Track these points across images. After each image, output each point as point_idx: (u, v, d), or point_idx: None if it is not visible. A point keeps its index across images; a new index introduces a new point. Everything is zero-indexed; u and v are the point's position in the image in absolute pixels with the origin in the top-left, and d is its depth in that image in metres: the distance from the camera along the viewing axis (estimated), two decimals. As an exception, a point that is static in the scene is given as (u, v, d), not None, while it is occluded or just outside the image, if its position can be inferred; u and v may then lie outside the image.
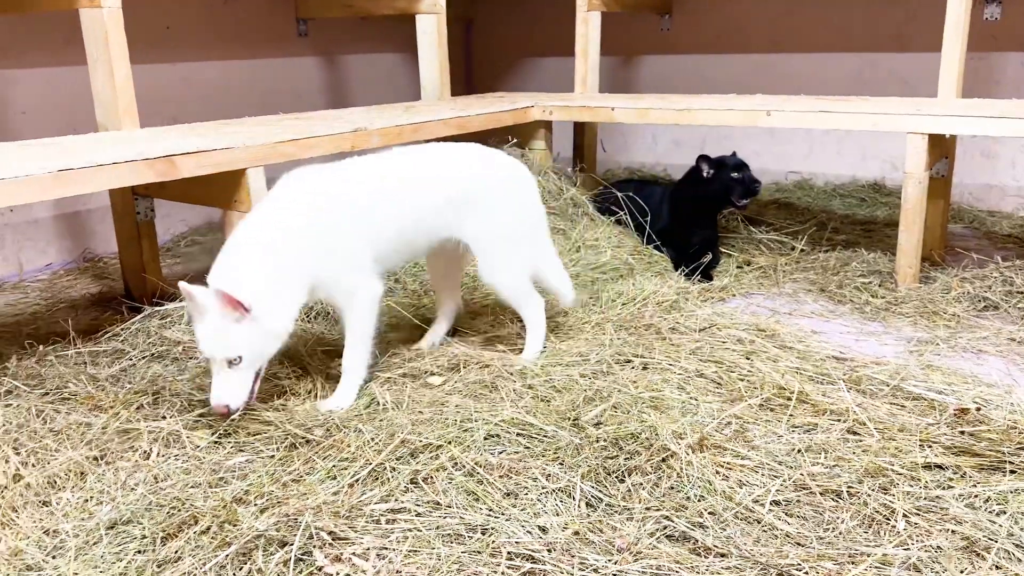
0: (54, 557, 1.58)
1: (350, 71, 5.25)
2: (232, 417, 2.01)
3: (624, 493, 1.73)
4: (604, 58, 4.52)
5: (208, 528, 1.60)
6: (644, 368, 2.31)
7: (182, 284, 1.90)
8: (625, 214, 3.50)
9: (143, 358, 2.42)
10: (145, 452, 1.93)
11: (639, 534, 1.60)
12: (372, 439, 1.92)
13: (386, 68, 5.47)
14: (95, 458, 1.89)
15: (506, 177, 2.42)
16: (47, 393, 2.20)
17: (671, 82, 5.22)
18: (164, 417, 2.09)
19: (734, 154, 3.35)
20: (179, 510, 1.66)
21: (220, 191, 2.68)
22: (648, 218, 3.45)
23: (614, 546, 1.56)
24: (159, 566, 1.52)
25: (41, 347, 2.46)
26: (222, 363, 1.94)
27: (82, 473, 1.84)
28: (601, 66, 4.48)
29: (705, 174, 3.30)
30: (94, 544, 1.60)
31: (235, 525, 1.60)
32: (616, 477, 1.78)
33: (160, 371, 2.34)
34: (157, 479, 1.83)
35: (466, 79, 6.02)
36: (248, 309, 1.92)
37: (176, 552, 1.55)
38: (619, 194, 3.54)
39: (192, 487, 1.79)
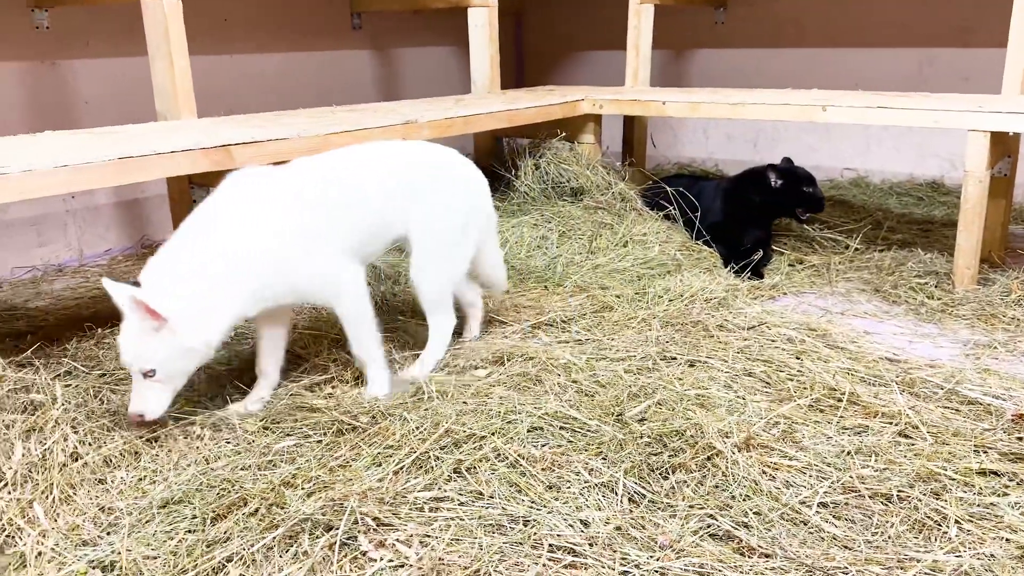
0: (108, 533, 1.63)
1: (402, 64, 5.29)
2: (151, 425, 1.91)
3: (667, 490, 1.72)
4: (655, 52, 4.47)
5: (257, 510, 1.64)
6: (690, 365, 2.28)
7: (105, 280, 1.80)
8: (675, 209, 3.46)
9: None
10: (198, 435, 1.98)
11: (682, 531, 1.59)
12: (417, 428, 1.94)
13: (437, 61, 5.50)
14: (149, 439, 1.94)
15: (454, 177, 2.33)
16: (104, 375, 2.27)
17: (724, 76, 5.15)
18: (213, 397, 2.14)
19: (788, 160, 3.29)
20: (229, 492, 1.70)
21: (273, 181, 2.72)
22: (699, 214, 3.41)
23: (656, 543, 1.55)
24: (208, 546, 1.55)
25: (99, 330, 2.53)
26: (137, 372, 1.85)
27: (136, 453, 1.89)
28: (652, 60, 4.44)
29: (773, 184, 3.25)
30: (147, 522, 1.65)
31: (283, 508, 1.64)
32: (660, 474, 1.77)
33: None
34: (208, 461, 1.87)
35: (516, 73, 6.02)
36: (165, 320, 1.79)
37: (225, 532, 1.59)
38: (669, 189, 3.50)
39: (242, 469, 1.83)
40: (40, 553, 1.55)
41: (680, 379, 2.16)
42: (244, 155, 2.51)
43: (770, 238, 3.44)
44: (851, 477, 1.76)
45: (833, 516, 1.65)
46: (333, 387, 2.22)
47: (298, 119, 3.11)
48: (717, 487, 1.73)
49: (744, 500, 1.69)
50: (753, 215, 3.35)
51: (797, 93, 3.61)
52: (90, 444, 1.88)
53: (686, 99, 3.60)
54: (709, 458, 1.80)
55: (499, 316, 2.69)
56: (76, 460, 1.81)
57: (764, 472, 1.78)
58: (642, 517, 1.63)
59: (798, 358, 2.35)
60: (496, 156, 4.26)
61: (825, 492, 1.71)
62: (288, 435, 1.97)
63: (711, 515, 1.64)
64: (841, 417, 2.01)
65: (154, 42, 2.98)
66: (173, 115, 3.03)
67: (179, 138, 2.51)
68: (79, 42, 3.69)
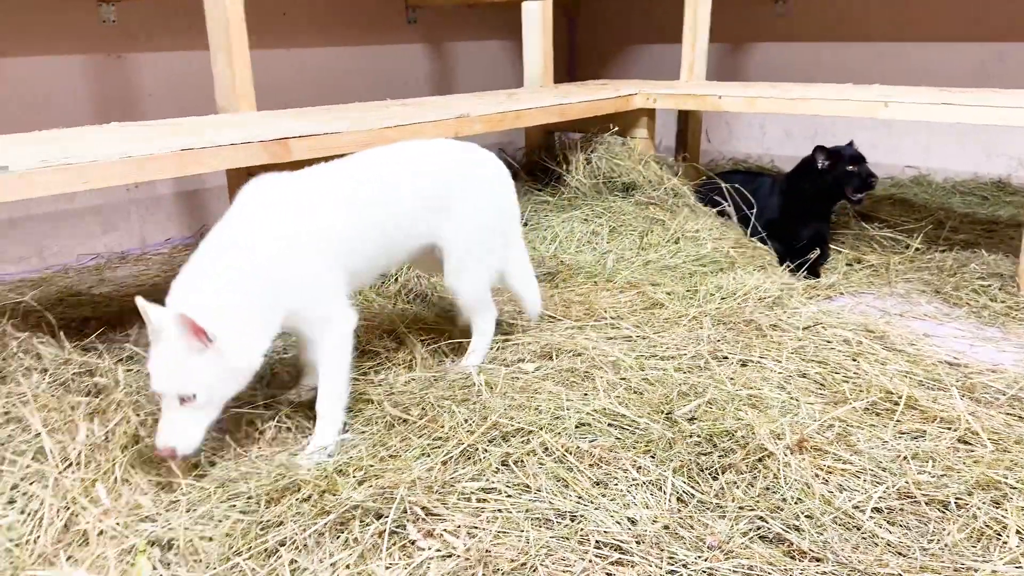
0: (168, 511, 1.68)
1: (455, 58, 5.31)
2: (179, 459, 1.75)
3: (717, 491, 1.70)
4: (711, 46, 4.41)
5: (309, 496, 1.67)
6: (742, 365, 2.25)
7: (139, 300, 1.68)
8: (730, 205, 3.42)
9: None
10: (249, 419, 2.02)
11: (731, 533, 1.57)
12: (466, 420, 1.95)
13: (490, 55, 5.51)
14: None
15: (484, 176, 2.25)
16: (165, 360, 2.33)
17: (782, 71, 5.05)
18: (268, 384, 2.19)
19: (851, 144, 3.22)
20: (283, 476, 1.74)
21: (328, 173, 2.76)
22: (755, 210, 3.36)
23: (705, 543, 1.54)
24: (262, 528, 1.59)
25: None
26: (173, 399, 1.70)
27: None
28: (708, 53, 4.38)
29: (820, 165, 3.18)
30: (204, 502, 1.70)
31: (334, 495, 1.66)
32: (709, 474, 1.75)
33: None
34: (265, 445, 1.91)
35: (569, 66, 6.00)
36: (212, 340, 1.67)
37: (279, 516, 1.62)
38: (724, 185, 3.45)
39: (295, 455, 1.87)
40: (102, 532, 1.61)
41: (732, 379, 2.14)
42: (301, 148, 2.55)
43: (828, 236, 3.37)
44: (907, 483, 1.72)
45: (888, 522, 1.62)
46: (386, 372, 2.24)
47: (353, 113, 3.15)
48: (768, 489, 1.70)
49: (796, 503, 1.66)
50: (810, 211, 3.28)
51: (858, 88, 3.53)
52: (151, 425, 1.94)
53: (743, 93, 3.55)
54: (760, 459, 1.78)
55: (547, 311, 2.68)
56: (137, 442, 1.86)
57: (817, 475, 1.75)
58: (690, 517, 1.62)
59: (854, 360, 2.30)
60: (547, 150, 4.25)
61: (880, 497, 1.68)
62: (343, 430, 1.99)
63: (761, 517, 1.62)
64: (898, 421, 1.97)
65: (215, 37, 3.05)
66: (232, 108, 3.10)
67: (238, 131, 2.57)
68: (143, 36, 3.79)
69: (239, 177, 3.12)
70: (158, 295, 1.77)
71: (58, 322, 2.43)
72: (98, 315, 2.73)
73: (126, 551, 1.56)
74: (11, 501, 1.69)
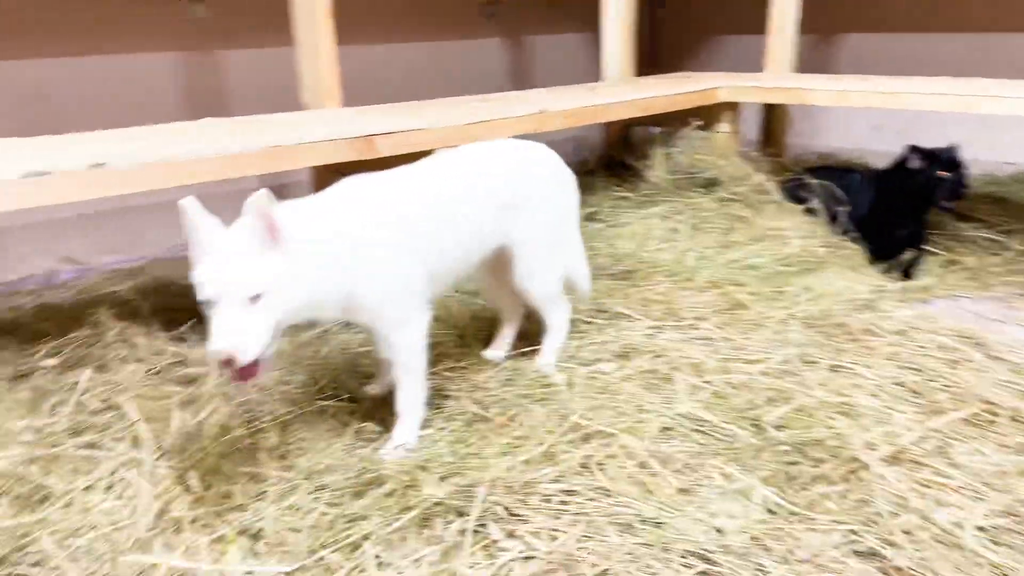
0: (257, 500, 1.72)
1: (533, 52, 5.29)
2: (251, 382, 1.60)
3: (808, 502, 1.64)
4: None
5: (393, 491, 1.69)
6: (833, 371, 2.17)
7: (188, 201, 1.61)
8: (819, 202, 3.30)
9: (336, 325, 2.57)
10: (334, 412, 2.06)
11: (823, 546, 1.52)
12: (545, 420, 1.94)
13: (568, 49, 5.47)
14: (295, 413, 2.04)
15: (549, 174, 2.21)
16: (252, 351, 2.40)
17: (871, 63, 4.86)
18: (348, 373, 2.22)
19: (952, 147, 3.05)
20: (367, 471, 1.76)
21: (409, 169, 2.79)
22: (845, 208, 3.24)
23: (796, 556, 1.49)
24: (348, 522, 1.61)
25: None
26: (231, 302, 1.54)
27: (285, 423, 1.98)
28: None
29: (911, 166, 3.04)
30: (291, 493, 1.73)
31: (417, 490, 1.68)
32: (799, 484, 1.69)
33: (349, 338, 2.48)
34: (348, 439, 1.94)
35: (649, 59, 5.90)
36: (285, 238, 1.59)
37: (363, 510, 1.64)
38: (813, 181, 3.34)
39: (377, 449, 1.89)
40: (194, 519, 1.66)
41: (822, 385, 2.07)
42: (386, 145, 2.58)
43: (923, 236, 3.22)
44: (1013, 500, 1.63)
45: (992, 541, 1.54)
46: (464, 367, 2.25)
47: (435, 109, 3.17)
48: (862, 502, 1.64)
49: (891, 517, 1.59)
50: (904, 209, 3.14)
51: (956, 82, 3.36)
52: (241, 416, 2.00)
53: (833, 87, 3.42)
54: (853, 471, 1.72)
55: (625, 310, 2.64)
56: (227, 432, 1.91)
57: (914, 489, 1.67)
58: (780, 528, 1.57)
59: (952, 367, 2.20)
60: (625, 145, 4.20)
61: (983, 515, 1.59)
62: (423, 427, 2.01)
63: (854, 531, 1.56)
64: (1001, 435, 1.87)
65: (302, 33, 3.11)
66: (317, 104, 3.15)
67: (325, 128, 2.61)
68: (232, 33, 3.89)
69: (324, 174, 3.18)
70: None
71: (151, 312, 2.52)
72: (189, 306, 2.81)
73: (217, 540, 1.60)
74: (109, 487, 1.77)
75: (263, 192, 1.56)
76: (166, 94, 3.72)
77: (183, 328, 2.47)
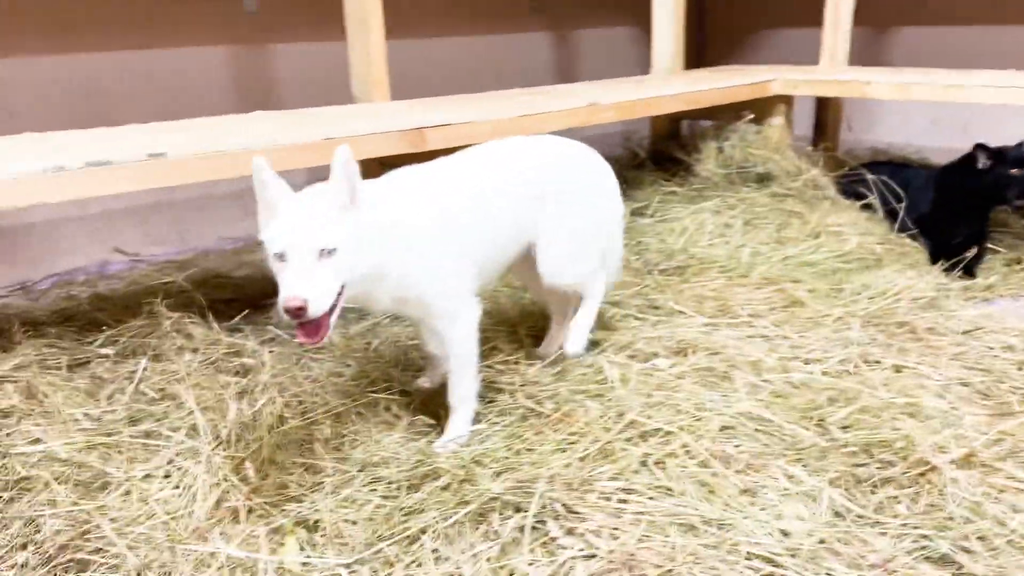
0: (313, 491, 1.72)
1: (578, 46, 5.25)
2: (317, 343, 1.58)
3: (876, 505, 1.59)
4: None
5: (449, 485, 1.67)
6: (896, 371, 2.11)
7: (258, 159, 1.60)
8: (877, 198, 3.21)
9: (387, 318, 2.56)
10: (386, 405, 2.05)
11: (894, 551, 1.47)
12: (600, 417, 1.91)
13: (613, 42, 5.42)
14: (348, 406, 2.03)
15: (584, 171, 2.16)
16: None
17: (929, 56, 4.72)
18: (399, 366, 2.21)
19: (1021, 146, 2.95)
20: (422, 463, 1.74)
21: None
22: (904, 204, 3.15)
23: (866, 561, 1.44)
24: (406, 514, 1.60)
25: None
26: (306, 256, 1.55)
27: (338, 415, 1.98)
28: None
29: (980, 165, 2.94)
30: (346, 484, 1.72)
31: (473, 485, 1.66)
32: (867, 487, 1.64)
33: (399, 331, 2.47)
34: (401, 431, 1.93)
35: (697, 53, 5.82)
36: (363, 198, 1.63)
37: (419, 503, 1.63)
38: (871, 176, 3.25)
39: (431, 442, 1.87)
40: (251, 509, 1.66)
41: (886, 385, 2.00)
42: (436, 137, 2.56)
43: (986, 233, 3.12)
44: (1094, 508, 1.56)
45: (1073, 550, 1.47)
46: (516, 363, 2.22)
47: (484, 102, 3.15)
48: (933, 506, 1.58)
49: (965, 523, 1.53)
50: (966, 206, 3.04)
51: (1021, 75, 3.24)
52: (295, 407, 2.00)
53: (893, 80, 3.33)
54: (923, 474, 1.66)
55: (678, 306, 2.60)
56: (283, 423, 1.91)
57: (987, 493, 1.61)
58: (848, 532, 1.52)
59: (1020, 369, 2.12)
60: (674, 139, 4.14)
61: (1063, 523, 1.53)
62: (476, 421, 1.99)
63: (926, 536, 1.51)
64: (1078, 439, 1.79)
65: (353, 26, 3.10)
66: (367, 98, 3.15)
67: (375, 120, 2.60)
68: (283, 27, 3.91)
69: (371, 167, 3.18)
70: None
71: (206, 303, 2.54)
72: (240, 297, 2.84)
73: (275, 530, 1.60)
74: (167, 475, 1.78)
75: (346, 147, 1.60)
76: (219, 87, 3.75)
77: (236, 319, 2.48)
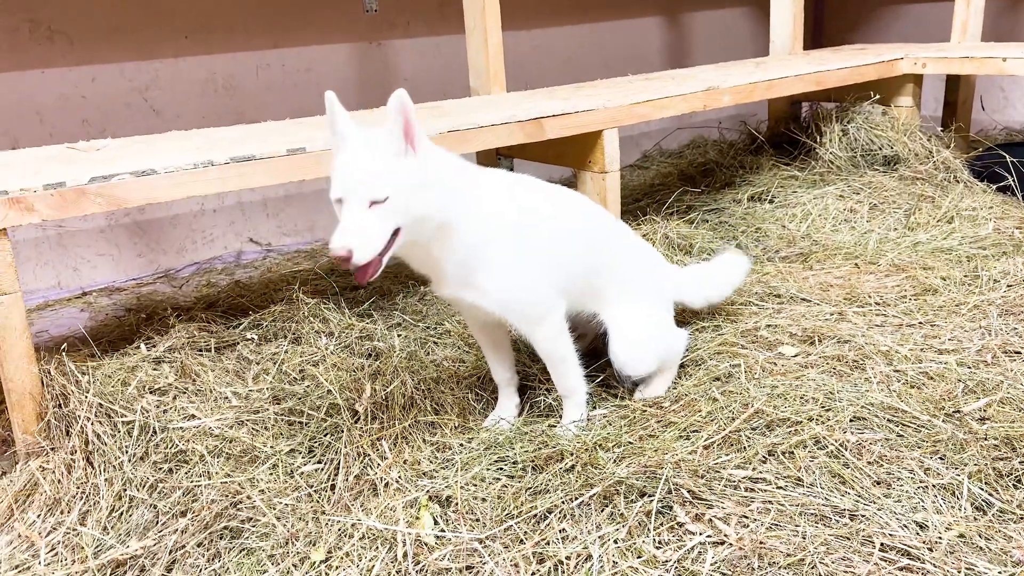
0: (444, 468, 1.79)
1: (691, 29, 5.16)
2: (366, 281, 1.63)
3: (1020, 500, 1.53)
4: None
5: (573, 467, 1.71)
6: (1041, 361, 2.01)
7: (330, 93, 1.64)
8: (1015, 181, 3.04)
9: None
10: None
11: (1042, 549, 1.41)
12: (725, 406, 1.90)
13: (726, 24, 5.30)
14: (475, 390, 2.11)
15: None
16: (428, 328, 2.50)
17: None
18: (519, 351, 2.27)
19: None
20: (547, 445, 1.79)
21: (577, 152, 2.80)
22: None
23: (1011, 557, 1.39)
24: (532, 494, 1.65)
25: (422, 287, 2.78)
26: (359, 203, 1.58)
27: (463, 401, 2.06)
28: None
29: None
30: (474, 463, 1.79)
31: (597, 468, 1.69)
32: (1010, 480, 1.58)
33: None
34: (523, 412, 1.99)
35: (815, 31, 5.62)
36: (418, 141, 1.63)
37: (544, 484, 1.68)
38: (1010, 158, 3.07)
39: (552, 425, 1.92)
40: (388, 484, 1.75)
41: (1029, 376, 1.91)
42: (554, 127, 2.60)
43: None
44: None
45: None
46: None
47: (599, 90, 3.15)
48: (1084, 504, 1.51)
49: (1121, 523, 1.46)
50: None
51: None
52: (422, 390, 2.08)
53: (1035, 54, 3.13)
54: (1072, 470, 1.58)
55: (802, 294, 2.54)
56: (414, 404, 2.00)
57: None
58: (990, 527, 1.47)
59: None
60: (794, 121, 4.02)
61: None
62: (595, 407, 2.02)
63: (1077, 535, 1.44)
64: None
65: (471, 20, 3.17)
66: (485, 90, 3.22)
67: (495, 112, 2.66)
68: (401, 23, 4.04)
69: (489, 157, 3.25)
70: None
71: (339, 290, 2.67)
72: (370, 284, 2.96)
73: (410, 504, 1.69)
74: (310, 450, 1.90)
75: (402, 91, 1.59)
76: (343, 84, 3.91)
77: (365, 305, 2.60)
